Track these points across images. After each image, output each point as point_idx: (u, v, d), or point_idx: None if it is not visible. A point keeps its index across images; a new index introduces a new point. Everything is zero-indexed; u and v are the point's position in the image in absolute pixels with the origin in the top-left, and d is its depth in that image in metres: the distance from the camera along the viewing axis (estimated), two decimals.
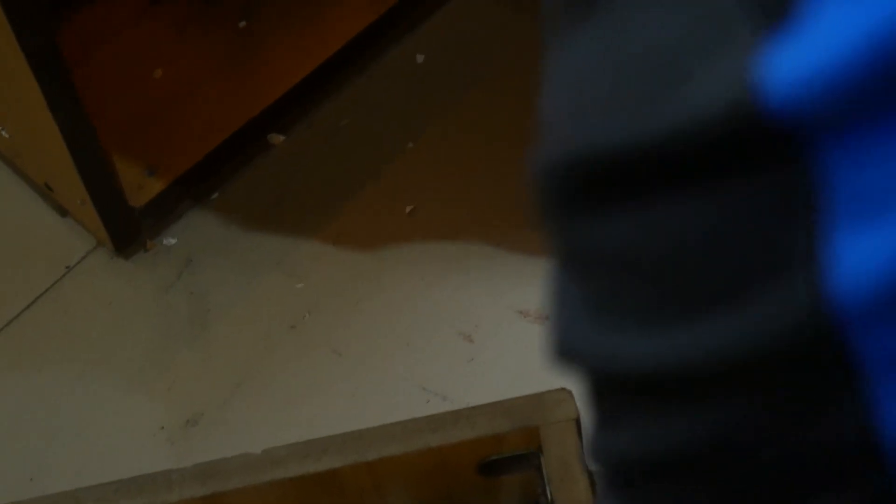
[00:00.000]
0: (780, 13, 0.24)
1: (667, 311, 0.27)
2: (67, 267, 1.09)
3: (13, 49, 0.90)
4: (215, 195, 1.11)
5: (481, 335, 1.00)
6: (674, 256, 0.26)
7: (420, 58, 1.16)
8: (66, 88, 0.94)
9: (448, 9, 1.19)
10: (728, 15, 0.24)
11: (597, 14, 0.27)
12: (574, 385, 0.40)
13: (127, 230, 1.06)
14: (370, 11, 1.13)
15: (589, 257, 0.28)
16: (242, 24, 1.13)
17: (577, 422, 0.70)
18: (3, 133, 1.05)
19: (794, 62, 0.23)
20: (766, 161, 0.25)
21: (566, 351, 0.29)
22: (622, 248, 0.27)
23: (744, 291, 0.26)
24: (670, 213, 0.26)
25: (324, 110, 1.14)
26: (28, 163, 1.07)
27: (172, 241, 1.09)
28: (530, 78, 0.99)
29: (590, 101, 0.27)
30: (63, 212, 1.10)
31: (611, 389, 0.29)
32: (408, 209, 1.08)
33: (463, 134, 1.11)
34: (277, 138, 1.12)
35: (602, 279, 0.28)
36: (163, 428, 0.99)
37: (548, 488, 0.69)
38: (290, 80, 1.10)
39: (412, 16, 1.16)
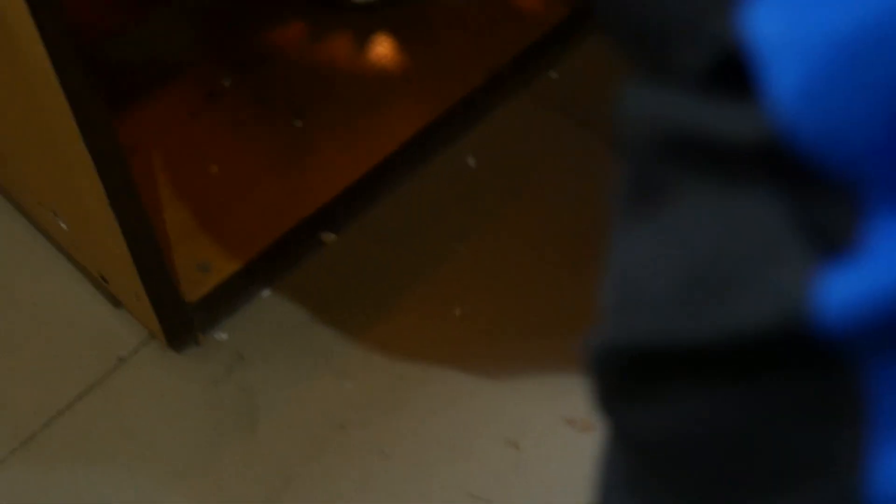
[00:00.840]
0: (836, 241, 0.25)
1: (702, 499, 0.28)
2: (120, 358, 1.10)
3: (75, 142, 0.92)
4: (267, 292, 1.12)
5: (528, 442, 1.01)
6: (712, 448, 0.27)
7: (472, 161, 1.18)
8: (126, 183, 0.95)
9: (500, 113, 1.20)
10: (781, 234, 0.26)
11: (656, 215, 0.28)
12: None
13: (180, 324, 1.07)
14: (423, 115, 1.15)
15: (632, 438, 0.29)
16: (298, 123, 1.15)
17: None
18: (62, 224, 1.07)
19: (849, 289, 0.25)
20: (813, 370, 0.26)
21: None
22: (663, 434, 0.28)
23: (781, 489, 0.27)
24: (714, 407, 0.27)
25: (376, 210, 1.16)
26: (84, 254, 1.09)
27: (224, 336, 1.10)
28: (580, 187, 1.00)
29: (643, 296, 0.28)
30: (117, 303, 1.12)
31: None
32: (457, 312, 1.10)
33: (513, 238, 1.13)
34: (329, 237, 1.14)
35: (643, 458, 0.29)
36: None
37: None
38: (343, 180, 1.12)
39: (465, 119, 1.18)
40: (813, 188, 0.25)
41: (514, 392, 1.04)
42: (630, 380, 0.28)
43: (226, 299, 1.09)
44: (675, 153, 0.27)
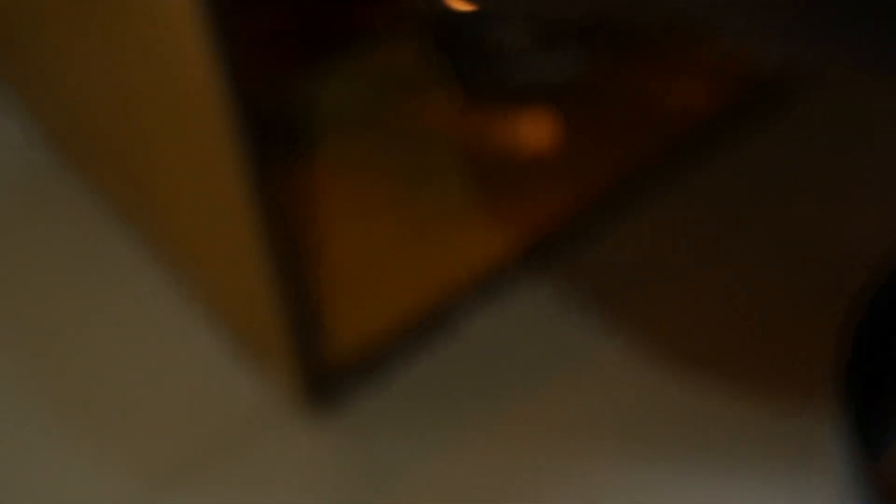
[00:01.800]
0: None
1: None
2: (252, 417, 1.10)
3: (237, 194, 0.93)
4: (403, 364, 1.12)
5: None
6: None
7: (625, 250, 1.18)
8: (285, 240, 0.96)
9: (651, 205, 1.20)
10: None
11: None
12: None
13: (319, 387, 1.07)
14: (571, 202, 1.15)
15: None
16: (444, 199, 1.15)
17: None
18: (205, 277, 1.08)
19: None
20: None
21: None
22: None
23: None
24: None
25: (519, 291, 1.16)
26: (226, 309, 1.10)
27: (359, 403, 1.10)
28: (731, 280, 0.98)
29: None
30: (254, 360, 1.12)
31: None
32: (594, 398, 1.09)
33: (665, 334, 1.12)
34: (469, 315, 1.14)
35: None
36: None
37: None
38: (489, 261, 1.12)
39: (615, 208, 1.18)
40: None
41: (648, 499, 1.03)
42: None
43: (365, 367, 1.09)
44: None
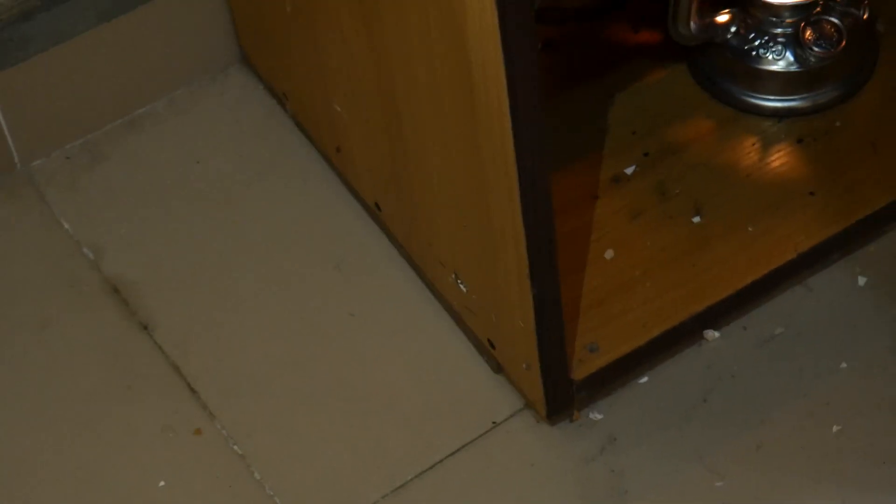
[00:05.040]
0: None
1: None
2: (494, 422, 1.13)
3: (512, 214, 0.95)
4: (645, 379, 1.14)
5: None
6: None
7: (861, 280, 1.17)
8: (550, 258, 0.99)
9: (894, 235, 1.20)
10: None
11: None
12: None
13: (561, 399, 1.10)
14: (822, 228, 1.15)
15: None
16: (696, 219, 1.17)
17: None
18: (461, 287, 1.11)
19: None
20: None
21: None
22: None
23: None
24: None
25: (760, 314, 1.16)
26: (477, 318, 1.13)
27: (598, 416, 1.12)
28: None
29: None
30: (497, 369, 1.15)
31: None
32: (834, 429, 1.09)
33: None
34: (712, 335, 1.15)
35: None
36: None
37: None
38: (735, 282, 1.13)
39: (862, 238, 1.18)
40: None
41: None
42: None
43: (607, 381, 1.11)
44: None
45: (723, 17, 1.20)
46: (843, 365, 1.13)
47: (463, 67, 0.90)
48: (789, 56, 1.20)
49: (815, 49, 1.20)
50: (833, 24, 1.20)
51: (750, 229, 1.16)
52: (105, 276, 1.23)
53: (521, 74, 0.85)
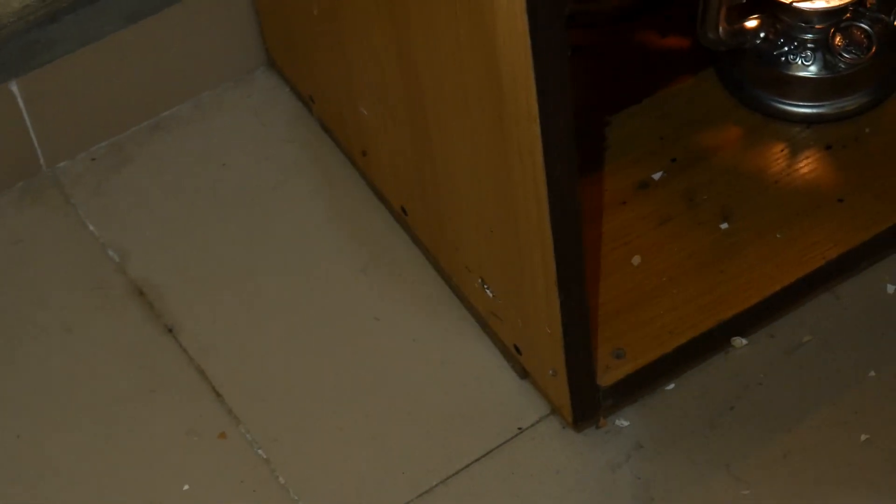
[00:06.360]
0: None
1: None
2: (520, 428, 1.13)
3: (540, 220, 0.95)
4: (671, 386, 1.13)
5: None
6: None
7: (890, 288, 1.17)
8: (577, 264, 0.98)
9: None
10: None
11: None
12: None
13: (588, 405, 1.09)
14: (851, 236, 1.14)
15: None
16: (724, 226, 1.16)
17: None
18: (488, 292, 1.11)
19: None
20: None
21: None
22: None
23: None
24: None
25: (788, 322, 1.16)
26: (503, 324, 1.12)
27: (625, 423, 1.12)
28: None
29: None
30: (523, 374, 1.15)
31: None
32: (863, 438, 1.08)
33: None
34: (739, 342, 1.14)
35: None
36: None
37: None
38: (763, 290, 1.12)
39: (888, 246, 1.17)
40: None
41: None
42: None
43: (633, 388, 1.11)
44: None
45: (752, 23, 1.20)
46: (872, 373, 1.12)
47: (492, 73, 0.90)
48: (819, 62, 1.20)
49: (845, 55, 1.19)
50: (863, 30, 1.19)
51: (778, 236, 1.15)
52: (130, 279, 1.23)
53: (551, 80, 0.85)
